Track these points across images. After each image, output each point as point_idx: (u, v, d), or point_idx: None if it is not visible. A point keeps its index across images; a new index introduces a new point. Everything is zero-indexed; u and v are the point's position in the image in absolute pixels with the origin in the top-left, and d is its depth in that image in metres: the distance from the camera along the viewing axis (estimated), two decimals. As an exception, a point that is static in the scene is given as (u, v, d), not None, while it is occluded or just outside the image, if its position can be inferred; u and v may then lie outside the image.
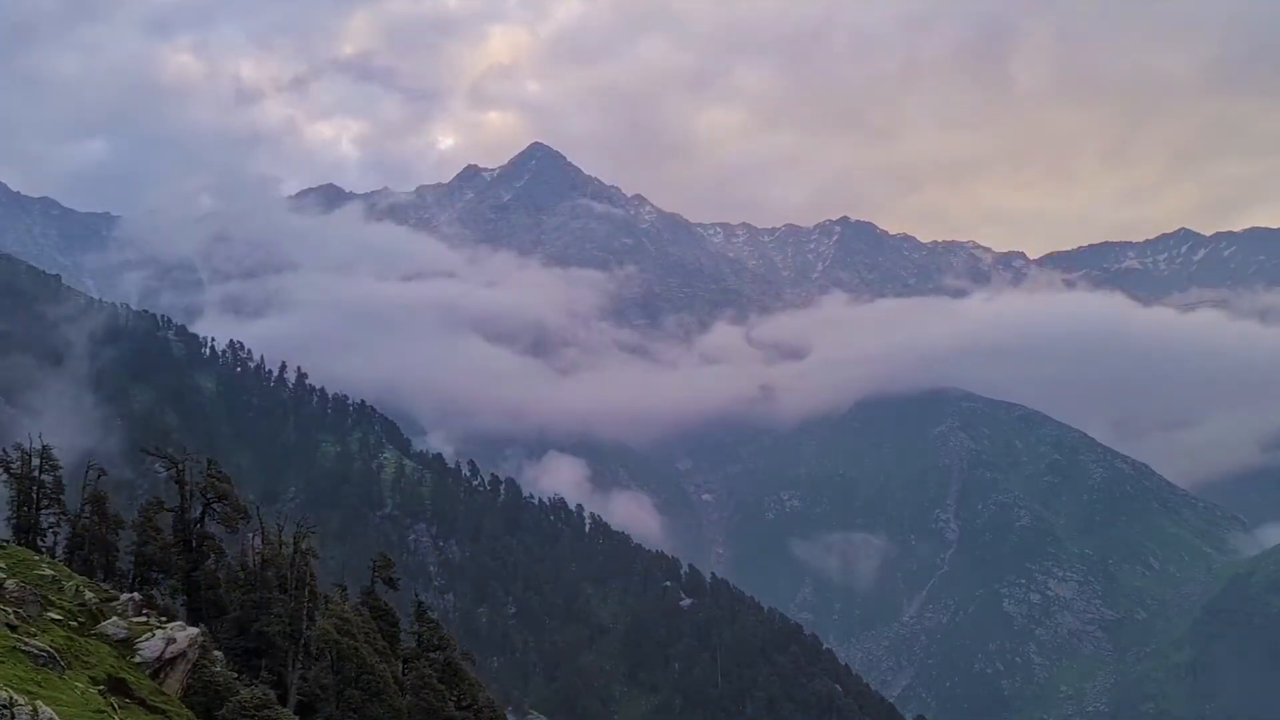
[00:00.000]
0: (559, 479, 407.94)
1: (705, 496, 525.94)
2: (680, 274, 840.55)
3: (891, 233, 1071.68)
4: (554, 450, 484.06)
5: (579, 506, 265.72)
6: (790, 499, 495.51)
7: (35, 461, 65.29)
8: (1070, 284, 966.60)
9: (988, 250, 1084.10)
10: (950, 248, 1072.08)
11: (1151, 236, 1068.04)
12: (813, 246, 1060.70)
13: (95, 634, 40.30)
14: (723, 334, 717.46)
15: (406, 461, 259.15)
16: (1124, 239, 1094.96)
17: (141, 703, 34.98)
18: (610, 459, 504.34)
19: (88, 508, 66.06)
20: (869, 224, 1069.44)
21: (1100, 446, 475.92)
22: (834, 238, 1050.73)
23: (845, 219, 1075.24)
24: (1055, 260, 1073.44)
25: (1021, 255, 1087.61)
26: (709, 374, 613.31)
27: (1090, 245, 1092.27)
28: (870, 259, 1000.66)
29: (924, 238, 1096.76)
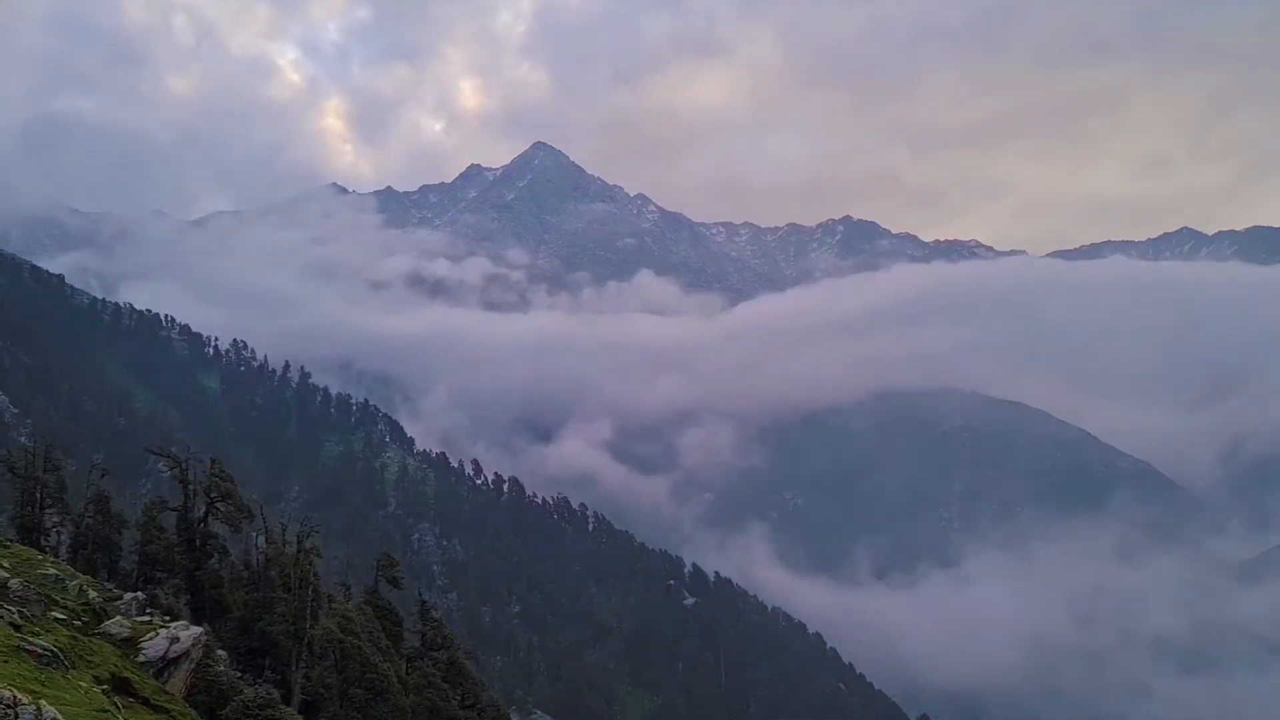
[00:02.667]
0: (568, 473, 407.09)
1: (707, 495, 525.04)
2: (684, 273, 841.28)
3: (894, 231, 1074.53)
4: (566, 439, 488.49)
5: (582, 505, 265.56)
6: (794, 497, 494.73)
7: (38, 461, 65.35)
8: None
9: (990, 249, 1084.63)
10: (953, 247, 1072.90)
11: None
12: (815, 246, 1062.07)
13: (99, 633, 40.23)
14: (726, 335, 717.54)
15: (409, 460, 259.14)
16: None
17: (145, 702, 34.90)
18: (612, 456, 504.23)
19: (91, 507, 66.04)
20: (872, 223, 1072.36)
21: (1102, 444, 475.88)
22: (836, 237, 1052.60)
23: (848, 218, 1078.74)
24: (1058, 260, 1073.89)
25: (1024, 253, 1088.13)
26: (712, 374, 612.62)
27: (1092, 244, 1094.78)
28: (873, 259, 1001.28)
29: (926, 236, 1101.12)
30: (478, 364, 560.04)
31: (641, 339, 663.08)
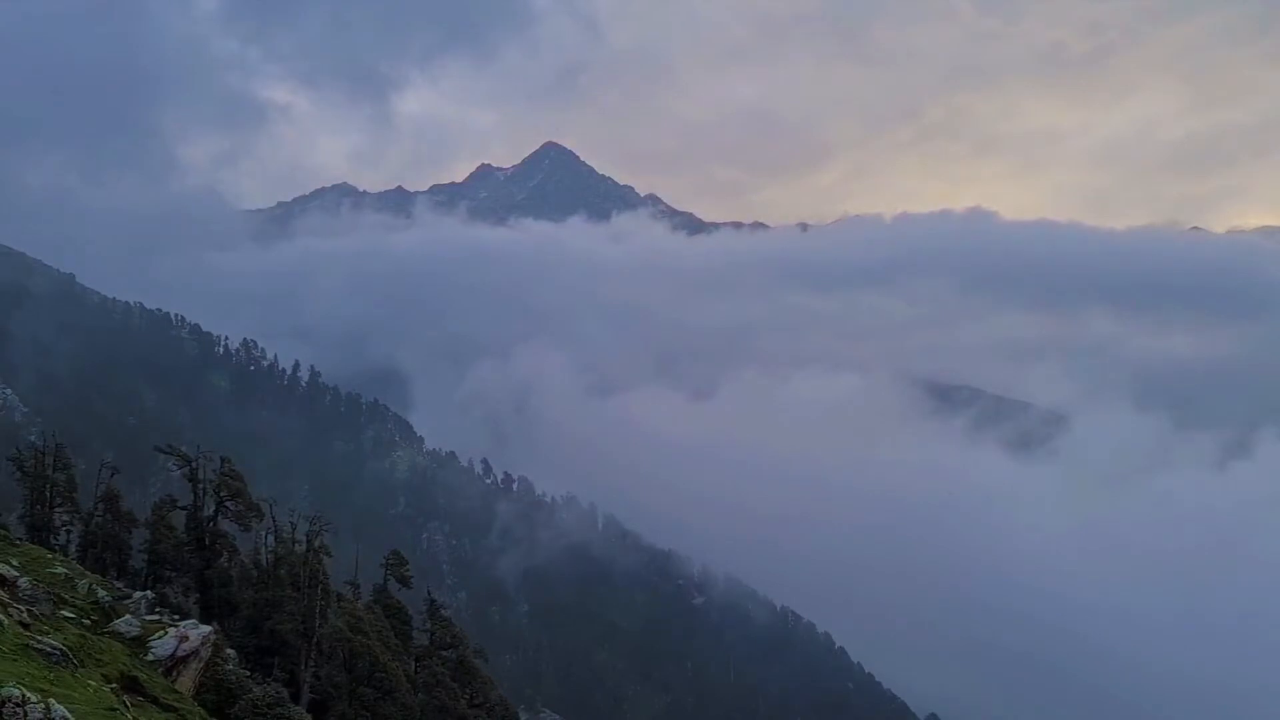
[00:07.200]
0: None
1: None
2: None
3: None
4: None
5: (592, 504, 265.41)
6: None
7: (48, 460, 65.45)
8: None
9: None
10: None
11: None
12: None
13: (108, 632, 40.19)
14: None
15: (419, 459, 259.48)
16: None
17: (154, 701, 34.83)
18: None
19: (100, 506, 66.12)
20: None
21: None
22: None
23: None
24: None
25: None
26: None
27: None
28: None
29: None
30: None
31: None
